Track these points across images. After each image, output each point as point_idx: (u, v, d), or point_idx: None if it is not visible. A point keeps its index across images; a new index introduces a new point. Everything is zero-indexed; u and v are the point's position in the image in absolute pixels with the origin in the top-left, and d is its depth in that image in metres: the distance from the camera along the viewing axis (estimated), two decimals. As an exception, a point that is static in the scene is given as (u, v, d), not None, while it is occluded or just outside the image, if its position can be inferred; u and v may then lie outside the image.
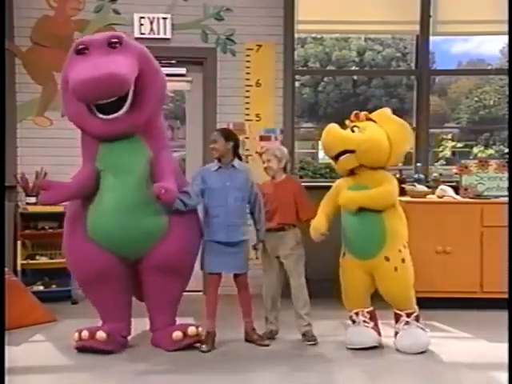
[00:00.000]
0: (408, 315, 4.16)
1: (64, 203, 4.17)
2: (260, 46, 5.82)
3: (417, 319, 4.20)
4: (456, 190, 5.49)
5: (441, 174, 5.99)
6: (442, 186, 5.48)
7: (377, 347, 4.17)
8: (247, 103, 5.84)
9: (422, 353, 4.10)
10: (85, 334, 3.98)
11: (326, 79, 19.80)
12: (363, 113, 4.28)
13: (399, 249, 4.15)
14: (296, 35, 5.98)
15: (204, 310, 4.22)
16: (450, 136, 15.43)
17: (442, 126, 16.94)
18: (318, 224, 4.21)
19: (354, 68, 19.84)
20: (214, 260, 4.17)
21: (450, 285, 5.13)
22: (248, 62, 5.83)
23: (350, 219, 4.19)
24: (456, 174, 5.68)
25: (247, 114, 5.85)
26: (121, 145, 3.96)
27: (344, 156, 4.11)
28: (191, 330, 4.08)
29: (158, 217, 3.99)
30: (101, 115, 3.80)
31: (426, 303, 5.06)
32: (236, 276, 4.27)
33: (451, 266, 5.14)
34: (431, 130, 6.32)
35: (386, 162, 4.19)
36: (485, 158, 5.85)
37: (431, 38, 6.04)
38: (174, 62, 5.75)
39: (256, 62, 5.83)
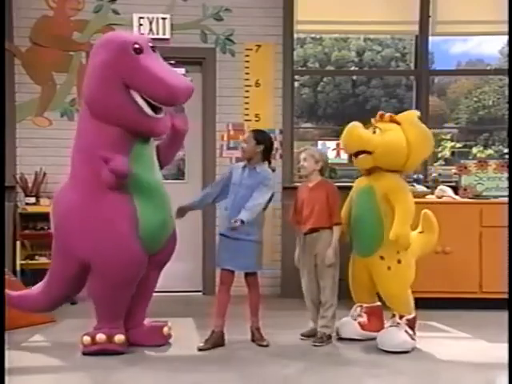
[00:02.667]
0: (400, 317, 4.18)
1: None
2: (259, 46, 5.83)
3: (410, 324, 4.18)
4: (455, 190, 5.50)
5: (440, 174, 5.98)
6: (441, 187, 5.49)
7: (381, 349, 4.17)
8: (246, 103, 5.84)
9: (415, 353, 4.11)
10: (101, 337, 3.92)
11: (325, 79, 19.79)
12: (388, 114, 4.30)
13: (397, 250, 4.15)
14: (295, 35, 5.99)
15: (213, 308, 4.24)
16: (449, 136, 15.42)
17: (441, 126, 16.92)
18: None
19: (353, 68, 19.83)
20: (223, 255, 4.20)
21: (449, 285, 5.14)
22: (247, 62, 5.84)
23: (354, 218, 4.30)
24: (455, 174, 5.69)
25: (246, 115, 5.85)
26: (147, 145, 4.03)
27: (361, 156, 4.19)
28: (166, 329, 4.20)
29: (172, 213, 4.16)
30: (153, 114, 3.87)
31: (425, 303, 5.07)
32: (246, 275, 4.28)
33: (450, 266, 5.14)
34: (430, 131, 6.30)
35: (403, 166, 4.24)
36: (484, 159, 5.87)
37: (430, 39, 6.05)
38: (173, 62, 5.68)
39: (255, 62, 5.84)
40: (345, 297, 4.41)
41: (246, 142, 4.26)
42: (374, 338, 4.23)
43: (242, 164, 4.31)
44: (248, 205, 4.07)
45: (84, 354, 3.95)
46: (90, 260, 3.89)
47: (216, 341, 4.15)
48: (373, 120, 4.34)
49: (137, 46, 3.84)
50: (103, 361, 3.86)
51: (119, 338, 3.94)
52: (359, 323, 4.34)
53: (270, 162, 4.35)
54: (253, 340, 4.26)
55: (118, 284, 3.89)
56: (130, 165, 3.79)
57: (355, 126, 4.21)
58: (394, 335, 4.13)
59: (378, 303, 4.41)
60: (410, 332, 4.17)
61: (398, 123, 4.24)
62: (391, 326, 4.19)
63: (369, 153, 4.15)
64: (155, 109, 3.89)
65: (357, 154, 4.22)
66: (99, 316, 4.02)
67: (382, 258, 4.17)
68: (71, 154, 4.07)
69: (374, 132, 4.23)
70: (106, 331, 3.94)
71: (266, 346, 4.20)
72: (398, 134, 4.20)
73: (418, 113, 4.39)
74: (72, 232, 3.91)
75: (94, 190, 3.86)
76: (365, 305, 4.37)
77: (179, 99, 3.88)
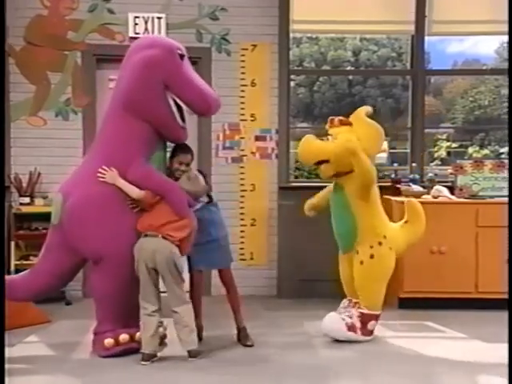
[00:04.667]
0: (358, 306, 4.31)
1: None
2: (255, 45, 5.83)
3: (362, 318, 4.28)
4: (451, 190, 5.51)
5: (436, 175, 6.00)
6: (437, 187, 5.50)
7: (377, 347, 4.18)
8: (242, 103, 5.84)
9: (411, 353, 4.12)
10: (124, 337, 3.93)
11: (321, 79, 19.79)
12: (337, 118, 4.43)
13: (371, 245, 4.31)
14: (291, 35, 5.99)
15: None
16: (445, 136, 15.43)
17: (437, 126, 16.94)
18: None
19: (349, 68, 19.84)
20: (198, 257, 4.26)
21: (444, 285, 5.14)
22: (243, 61, 5.83)
23: (332, 216, 4.46)
24: (451, 174, 5.70)
25: (242, 114, 5.85)
26: (164, 147, 4.19)
27: (322, 166, 4.37)
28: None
29: None
30: (181, 122, 4.09)
31: (421, 303, 5.09)
32: (222, 272, 4.36)
33: (446, 267, 5.15)
34: (426, 130, 6.33)
35: None
36: (480, 158, 5.88)
37: (426, 38, 6.05)
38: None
39: (251, 62, 5.83)
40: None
41: (187, 165, 4.19)
42: (359, 341, 4.29)
43: None
44: None
45: (105, 357, 3.91)
46: (102, 254, 3.90)
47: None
48: (326, 126, 4.50)
49: (180, 51, 4.02)
50: (99, 362, 3.87)
51: (138, 335, 3.96)
52: (346, 324, 4.34)
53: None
54: (238, 340, 4.28)
55: (125, 279, 3.91)
56: (151, 163, 3.98)
57: (308, 139, 4.41)
58: (333, 321, 4.28)
59: None
60: (357, 325, 4.26)
61: (350, 124, 4.39)
62: (344, 313, 4.33)
63: (326, 161, 4.31)
64: (180, 115, 4.09)
65: (318, 164, 4.39)
66: (103, 315, 4.00)
67: (357, 252, 4.34)
68: (93, 146, 4.15)
69: (327, 140, 4.39)
70: (125, 331, 3.95)
71: (251, 345, 4.21)
72: (348, 136, 4.31)
73: (367, 109, 4.46)
74: (87, 223, 3.90)
75: (110, 185, 3.92)
76: (354, 300, 4.45)
77: (211, 112, 4.14)
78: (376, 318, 4.36)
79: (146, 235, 3.85)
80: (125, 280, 3.90)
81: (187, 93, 3.95)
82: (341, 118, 4.43)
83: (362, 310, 4.33)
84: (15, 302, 4.19)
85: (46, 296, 4.28)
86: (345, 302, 4.51)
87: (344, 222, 4.37)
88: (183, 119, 4.12)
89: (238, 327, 4.32)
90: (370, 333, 4.35)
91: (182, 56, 4.01)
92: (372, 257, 4.31)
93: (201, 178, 4.09)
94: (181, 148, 4.21)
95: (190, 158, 4.19)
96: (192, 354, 3.88)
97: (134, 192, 3.88)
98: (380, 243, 4.34)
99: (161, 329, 4.03)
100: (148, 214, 3.89)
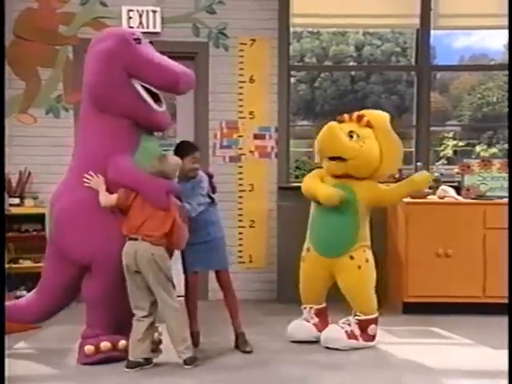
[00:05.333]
0: (355, 315, 4.33)
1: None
2: (254, 40, 5.83)
3: (361, 325, 4.30)
4: (458, 190, 5.51)
5: (442, 174, 6.01)
6: (443, 187, 5.50)
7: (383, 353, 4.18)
8: (240, 100, 5.84)
9: (417, 361, 4.12)
10: (106, 345, 3.92)
11: (322, 75, 19.82)
12: (366, 118, 4.40)
13: (364, 249, 4.37)
14: (291, 29, 5.99)
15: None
16: (451, 134, 15.43)
17: (443, 123, 16.98)
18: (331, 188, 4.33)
19: (351, 63, 19.87)
20: (194, 259, 4.27)
21: (451, 289, 5.15)
22: (241, 57, 5.83)
23: (325, 218, 4.40)
24: (458, 173, 5.70)
25: (241, 112, 5.85)
26: (154, 141, 4.19)
27: (335, 162, 4.32)
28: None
29: None
30: (156, 106, 4.04)
31: (426, 308, 5.10)
32: (220, 274, 4.36)
33: (453, 270, 5.15)
34: (432, 128, 6.33)
35: (370, 176, 4.39)
36: (488, 158, 5.89)
37: (432, 32, 6.05)
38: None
39: (250, 58, 5.84)
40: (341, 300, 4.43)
41: (197, 161, 4.28)
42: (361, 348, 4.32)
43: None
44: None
45: (84, 364, 3.92)
46: (92, 259, 3.91)
47: (194, 342, 4.22)
48: (346, 117, 4.47)
49: (135, 36, 4.05)
50: (89, 369, 3.86)
51: (122, 343, 3.95)
52: (314, 325, 4.45)
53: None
54: (236, 346, 4.29)
55: (119, 285, 3.90)
56: (135, 160, 3.95)
57: (335, 128, 4.27)
58: (333, 331, 4.31)
59: (325, 304, 4.55)
60: (356, 332, 4.29)
61: (371, 127, 4.39)
62: (343, 322, 4.35)
63: (343, 159, 4.28)
64: (155, 100, 4.05)
65: (331, 158, 4.34)
66: (93, 320, 4.00)
67: (351, 257, 4.33)
68: (74, 151, 4.17)
69: (351, 137, 4.32)
70: (108, 338, 3.95)
71: (250, 351, 4.22)
72: (374, 142, 4.35)
73: (388, 116, 4.51)
74: (73, 231, 3.93)
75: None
76: (315, 306, 4.50)
77: (181, 85, 3.99)
78: (375, 321, 4.37)
79: (129, 238, 3.85)
80: (115, 286, 3.90)
81: (150, 73, 3.94)
82: (368, 118, 4.40)
83: (359, 317, 4.33)
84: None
85: (61, 310, 4.33)
86: (313, 311, 4.51)
87: (344, 228, 4.33)
88: (160, 105, 4.10)
89: (236, 333, 4.32)
90: (373, 338, 4.36)
91: (138, 40, 4.03)
92: (367, 261, 4.37)
93: (171, 157, 4.03)
94: (188, 146, 4.29)
95: (199, 155, 4.30)
96: (187, 362, 3.87)
97: (106, 201, 3.85)
98: (368, 247, 4.43)
99: (155, 334, 4.02)
100: (128, 216, 3.87)
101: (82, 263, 3.95)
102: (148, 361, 3.90)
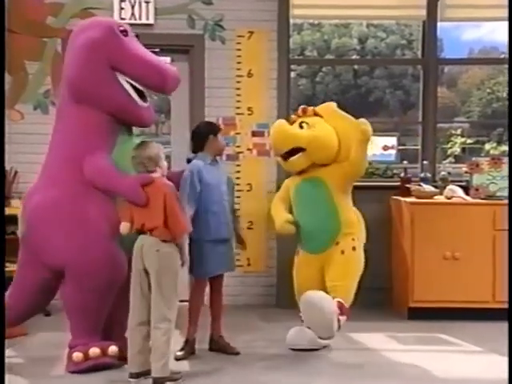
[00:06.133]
0: (335, 296, 4.34)
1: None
2: (252, 32, 5.83)
3: (341, 309, 4.31)
4: (466, 190, 5.52)
5: (449, 173, 6.01)
6: (450, 186, 5.50)
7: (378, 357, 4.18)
8: (238, 95, 5.85)
9: (423, 369, 4.12)
10: (95, 351, 3.91)
11: (324, 69, 19.85)
12: (311, 108, 4.63)
13: (352, 237, 4.46)
14: (291, 21, 5.99)
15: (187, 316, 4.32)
16: (459, 131, 15.49)
17: (450, 120, 17.01)
18: (286, 216, 4.52)
19: (354, 57, 19.90)
20: (218, 260, 4.28)
21: (459, 294, 5.15)
22: (239, 50, 5.83)
23: (305, 214, 4.51)
24: (466, 172, 5.71)
25: (238, 108, 5.85)
26: (132, 134, 4.21)
27: (295, 156, 4.46)
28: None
29: None
30: (142, 102, 4.07)
31: (433, 314, 5.10)
32: (215, 278, 4.38)
33: (460, 274, 5.16)
34: (439, 125, 6.34)
35: (335, 158, 4.50)
36: (498, 156, 5.88)
37: (439, 24, 6.05)
38: (157, 50, 5.72)
39: (247, 51, 5.84)
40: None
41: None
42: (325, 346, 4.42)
43: (205, 161, 4.34)
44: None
45: (73, 372, 3.91)
46: (66, 264, 3.88)
47: (191, 349, 4.28)
48: (293, 116, 4.72)
49: (122, 28, 4.04)
50: (79, 378, 3.86)
51: (113, 349, 3.95)
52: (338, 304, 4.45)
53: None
54: (220, 349, 4.33)
55: (98, 291, 3.89)
56: (113, 160, 3.93)
57: (283, 123, 4.52)
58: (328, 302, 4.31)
59: None
60: (341, 318, 4.33)
61: (321, 116, 4.58)
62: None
63: (302, 150, 4.42)
64: (140, 96, 4.06)
65: (288, 153, 4.48)
66: (76, 328, 3.99)
67: (337, 243, 4.43)
68: (48, 148, 4.13)
69: (302, 127, 4.52)
70: (97, 344, 3.94)
71: (238, 353, 4.30)
72: (326, 126, 4.52)
73: (334, 103, 4.72)
74: (46, 232, 3.90)
75: (73, 187, 3.91)
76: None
77: (169, 85, 4.04)
78: (348, 314, 4.39)
79: (138, 232, 3.78)
80: (95, 292, 3.88)
81: (137, 69, 3.96)
82: (313, 108, 4.64)
83: (340, 300, 4.34)
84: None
85: (33, 315, 4.31)
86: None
87: (324, 218, 4.47)
88: (145, 100, 4.12)
89: (217, 336, 4.38)
90: (339, 327, 4.37)
91: (124, 32, 4.03)
92: (354, 249, 4.46)
93: (152, 143, 3.95)
94: (214, 124, 4.56)
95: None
96: (156, 382, 3.67)
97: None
98: (358, 237, 4.51)
99: (151, 342, 4.04)
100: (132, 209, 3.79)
101: (56, 267, 3.92)
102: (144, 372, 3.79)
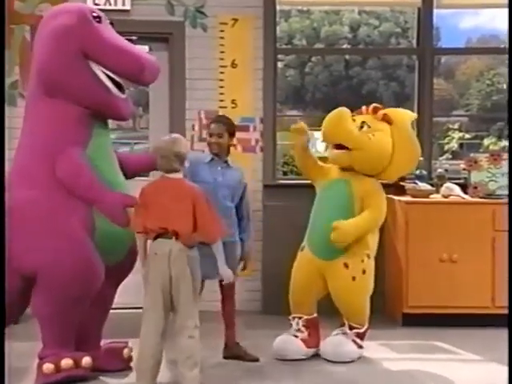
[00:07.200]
0: (350, 328, 4.40)
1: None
2: (236, 19, 5.83)
3: (358, 335, 4.41)
4: (464, 188, 5.54)
5: (446, 170, 6.04)
6: (447, 184, 5.53)
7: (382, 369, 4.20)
8: (221, 87, 5.85)
9: (420, 378, 4.14)
10: (67, 362, 3.86)
11: (313, 59, 19.88)
12: (382, 111, 4.51)
13: (362, 259, 4.40)
14: (278, 7, 6.01)
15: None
16: (457, 125, 15.59)
17: (448, 113, 17.09)
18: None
19: (346, 46, 19.94)
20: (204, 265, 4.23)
21: (456, 299, 5.18)
22: (222, 38, 5.83)
23: (322, 213, 4.48)
24: (464, 169, 5.74)
25: (221, 101, 5.85)
26: (107, 132, 4.19)
27: (338, 151, 4.42)
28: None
29: None
30: (119, 94, 4.04)
31: (429, 320, 5.12)
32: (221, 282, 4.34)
33: (458, 277, 5.19)
34: (435, 119, 6.39)
35: (378, 174, 4.51)
36: (497, 152, 5.91)
37: (435, 11, 6.08)
38: (134, 38, 5.72)
39: (231, 39, 5.84)
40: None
41: (220, 136, 4.38)
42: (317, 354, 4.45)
43: (205, 158, 4.41)
44: (247, 231, 4.53)
45: None
46: (38, 270, 3.84)
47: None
48: (364, 108, 4.58)
49: (96, 14, 4.02)
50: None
51: (87, 360, 3.92)
52: (302, 340, 4.47)
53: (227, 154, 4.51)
54: (236, 357, 4.36)
55: (71, 299, 3.87)
56: (88, 156, 3.89)
57: (344, 114, 4.41)
58: (343, 345, 4.37)
59: (315, 315, 4.57)
60: (359, 342, 4.40)
61: (390, 123, 4.48)
62: (337, 334, 4.42)
63: (348, 149, 4.37)
64: (117, 88, 4.03)
65: (336, 146, 4.44)
66: (48, 337, 3.96)
67: (346, 265, 4.38)
68: (18, 144, 4.10)
69: (362, 127, 4.44)
70: (69, 355, 3.90)
71: (257, 360, 4.35)
72: (387, 138, 4.46)
73: (415, 116, 4.68)
74: (16, 236, 3.84)
75: (46, 186, 3.87)
76: (305, 317, 4.52)
77: (146, 75, 4.01)
78: (365, 334, 4.48)
79: (156, 236, 3.70)
80: (69, 300, 3.86)
81: (111, 58, 3.93)
82: (386, 113, 4.52)
83: (358, 330, 4.41)
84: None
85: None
86: (298, 322, 4.53)
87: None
88: (122, 91, 4.09)
89: (235, 343, 4.42)
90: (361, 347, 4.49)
91: (98, 19, 4.01)
92: (364, 272, 4.42)
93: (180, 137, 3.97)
94: (212, 119, 4.55)
95: (221, 128, 4.36)
96: None
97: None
98: (368, 256, 4.47)
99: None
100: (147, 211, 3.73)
101: (26, 273, 3.89)
102: None
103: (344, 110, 4.41)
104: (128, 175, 4.22)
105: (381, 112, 4.51)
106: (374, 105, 4.58)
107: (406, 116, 4.61)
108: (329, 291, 4.50)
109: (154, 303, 3.66)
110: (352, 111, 4.51)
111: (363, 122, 4.46)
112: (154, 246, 3.68)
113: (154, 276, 3.65)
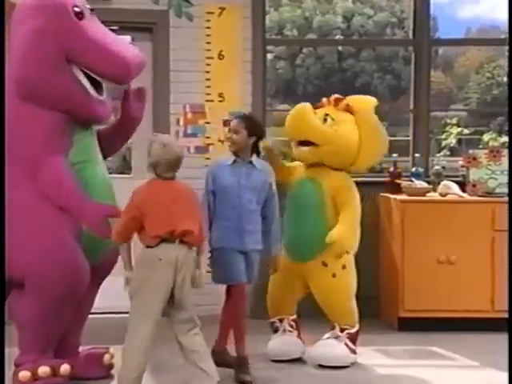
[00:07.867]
0: (341, 330, 4.41)
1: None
2: (223, 8, 5.82)
3: (351, 338, 4.42)
4: (462, 186, 5.55)
5: (444, 167, 6.04)
6: (445, 182, 5.54)
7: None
8: (208, 80, 5.83)
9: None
10: (44, 370, 3.85)
11: (305, 50, 19.90)
12: (345, 101, 4.56)
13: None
14: (267, -4, 6.00)
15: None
16: (455, 120, 15.60)
17: (445, 107, 17.14)
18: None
19: (339, 37, 19.98)
20: (238, 268, 4.27)
21: (454, 302, 5.19)
22: (208, 28, 5.82)
23: (294, 216, 4.52)
24: (462, 166, 5.74)
25: (208, 94, 5.84)
26: (90, 133, 4.13)
27: (304, 148, 4.47)
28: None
29: None
30: (97, 96, 3.99)
31: (425, 324, 5.13)
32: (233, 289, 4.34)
33: (456, 280, 5.20)
34: (433, 113, 6.39)
35: (348, 166, 4.55)
36: (497, 148, 5.91)
37: (433, 0, 6.10)
38: (115, 27, 5.65)
39: (218, 29, 5.83)
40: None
41: (236, 132, 4.31)
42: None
43: (226, 161, 4.35)
44: (273, 233, 4.35)
45: None
46: (24, 273, 3.83)
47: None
48: (324, 101, 4.64)
49: (77, 9, 3.90)
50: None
51: (65, 368, 3.91)
52: (298, 337, 4.56)
53: (258, 154, 4.43)
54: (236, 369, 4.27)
55: (58, 300, 3.86)
56: (71, 162, 3.89)
57: (305, 109, 4.46)
58: (334, 348, 4.38)
59: (295, 316, 4.64)
60: (352, 346, 4.41)
61: (352, 112, 4.53)
62: (329, 337, 4.43)
63: (314, 145, 4.41)
64: (96, 88, 3.98)
65: (301, 142, 4.48)
66: (27, 343, 3.94)
67: (324, 264, 4.42)
68: None
69: (326, 120, 4.49)
70: (47, 362, 3.89)
71: (250, 382, 4.17)
72: (352, 129, 4.50)
73: (375, 101, 4.65)
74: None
75: (29, 189, 3.86)
76: (290, 317, 4.59)
77: (132, 76, 3.99)
78: (357, 336, 4.49)
79: (160, 241, 3.67)
80: (53, 304, 3.84)
81: (95, 60, 3.87)
82: (348, 101, 4.56)
83: (350, 331, 4.42)
84: None
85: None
86: (290, 322, 4.58)
87: (312, 225, 4.45)
88: (101, 93, 4.04)
89: (242, 356, 4.31)
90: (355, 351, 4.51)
91: (80, 15, 3.91)
92: (344, 267, 4.45)
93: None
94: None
95: (238, 124, 4.29)
96: None
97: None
98: (347, 251, 4.47)
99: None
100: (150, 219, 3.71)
101: (12, 274, 3.86)
102: None
103: (306, 105, 4.46)
104: (105, 150, 4.25)
105: (343, 102, 4.56)
106: (336, 95, 4.62)
107: (368, 103, 4.64)
108: (309, 291, 4.54)
109: (150, 311, 3.64)
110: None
111: (326, 115, 4.50)
112: (157, 252, 3.64)
113: (155, 282, 3.62)
